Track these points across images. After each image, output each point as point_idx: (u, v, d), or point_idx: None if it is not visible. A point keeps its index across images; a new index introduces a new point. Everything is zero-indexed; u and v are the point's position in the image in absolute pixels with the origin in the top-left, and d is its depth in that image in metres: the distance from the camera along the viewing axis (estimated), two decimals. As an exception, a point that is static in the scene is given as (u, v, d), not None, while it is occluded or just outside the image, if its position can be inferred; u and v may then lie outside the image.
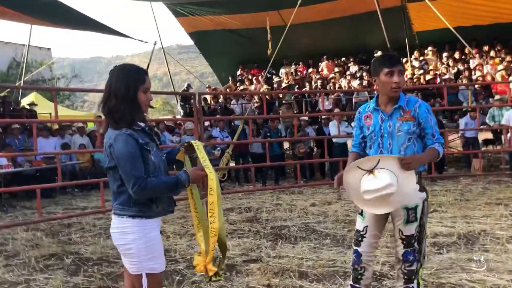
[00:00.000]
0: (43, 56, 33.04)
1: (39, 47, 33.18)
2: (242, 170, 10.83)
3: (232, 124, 11.64)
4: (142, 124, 2.34)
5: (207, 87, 16.32)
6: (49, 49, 37.11)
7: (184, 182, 2.32)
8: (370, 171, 2.73)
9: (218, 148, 9.59)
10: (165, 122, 12.54)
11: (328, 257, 4.59)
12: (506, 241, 4.81)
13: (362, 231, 3.01)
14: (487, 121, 9.48)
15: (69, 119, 14.09)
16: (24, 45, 18.07)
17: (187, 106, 14.06)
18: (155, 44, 13.80)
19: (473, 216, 5.99)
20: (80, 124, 11.86)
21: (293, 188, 9.05)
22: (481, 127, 9.54)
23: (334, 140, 9.69)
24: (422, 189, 2.94)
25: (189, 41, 18.21)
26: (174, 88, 17.83)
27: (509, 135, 8.26)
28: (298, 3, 9.34)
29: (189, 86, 15.20)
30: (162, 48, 14.76)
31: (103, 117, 2.43)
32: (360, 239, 3.02)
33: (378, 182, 2.72)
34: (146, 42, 14.25)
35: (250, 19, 14.99)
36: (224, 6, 14.83)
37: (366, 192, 2.76)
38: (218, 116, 12.12)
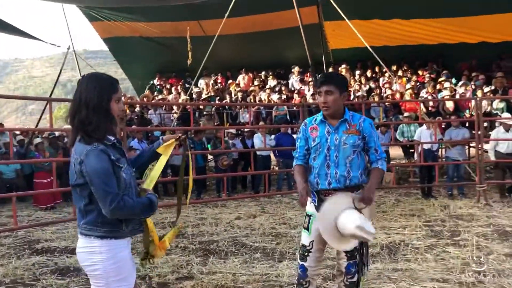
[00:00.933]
0: None
1: None
2: (161, 183, 10.48)
3: (150, 135, 11.25)
4: (112, 138, 2.19)
5: (122, 95, 15.69)
6: None
7: (156, 203, 2.27)
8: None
9: None
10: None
11: (261, 271, 4.57)
12: (424, 250, 5.14)
13: (308, 246, 3.02)
14: (397, 136, 10.12)
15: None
16: None
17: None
18: (68, 49, 12.96)
19: (391, 227, 6.33)
20: (-20, 132, 10.72)
21: (216, 201, 8.91)
22: (395, 142, 10.15)
23: (257, 152, 9.74)
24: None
25: (97, 47, 17.48)
26: None
27: (419, 149, 8.87)
28: (226, 15, 9.34)
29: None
30: (74, 53, 13.91)
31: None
32: (306, 253, 3.02)
33: (370, 227, 2.77)
34: (59, 46, 13.36)
35: (169, 28, 14.70)
36: (142, 13, 14.39)
37: (359, 227, 2.72)
38: (134, 126, 11.63)
